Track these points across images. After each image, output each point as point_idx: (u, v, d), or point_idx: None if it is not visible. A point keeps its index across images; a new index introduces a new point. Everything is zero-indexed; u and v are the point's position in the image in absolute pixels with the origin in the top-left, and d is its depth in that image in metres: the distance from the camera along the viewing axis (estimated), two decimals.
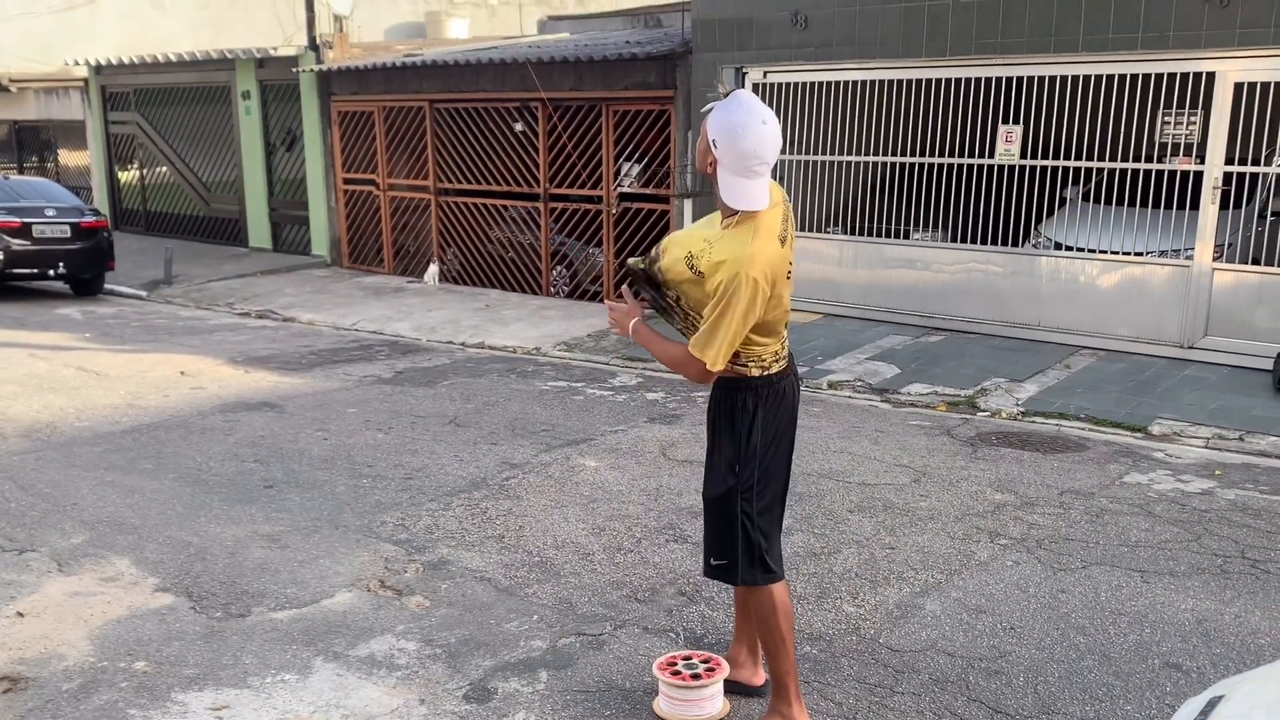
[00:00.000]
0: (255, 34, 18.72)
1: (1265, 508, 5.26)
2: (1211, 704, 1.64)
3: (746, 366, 3.13)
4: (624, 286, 3.34)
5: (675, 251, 3.15)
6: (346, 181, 14.26)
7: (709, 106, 3.01)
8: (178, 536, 4.92)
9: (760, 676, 3.54)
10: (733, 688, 3.50)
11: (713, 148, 2.96)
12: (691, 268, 3.05)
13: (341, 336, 10.22)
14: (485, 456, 6.14)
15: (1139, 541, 4.81)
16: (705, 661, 3.46)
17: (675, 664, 3.44)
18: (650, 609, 4.16)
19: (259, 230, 15.89)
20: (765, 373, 3.15)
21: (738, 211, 2.99)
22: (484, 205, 12.64)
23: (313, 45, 14.20)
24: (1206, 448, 6.36)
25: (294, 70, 14.18)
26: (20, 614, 4.13)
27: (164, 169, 17.55)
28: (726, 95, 2.97)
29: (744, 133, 2.89)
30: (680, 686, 3.35)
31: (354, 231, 14.46)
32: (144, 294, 12.83)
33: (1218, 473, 5.84)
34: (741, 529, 3.18)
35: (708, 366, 2.99)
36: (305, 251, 15.12)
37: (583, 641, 3.90)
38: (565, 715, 3.40)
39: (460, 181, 12.85)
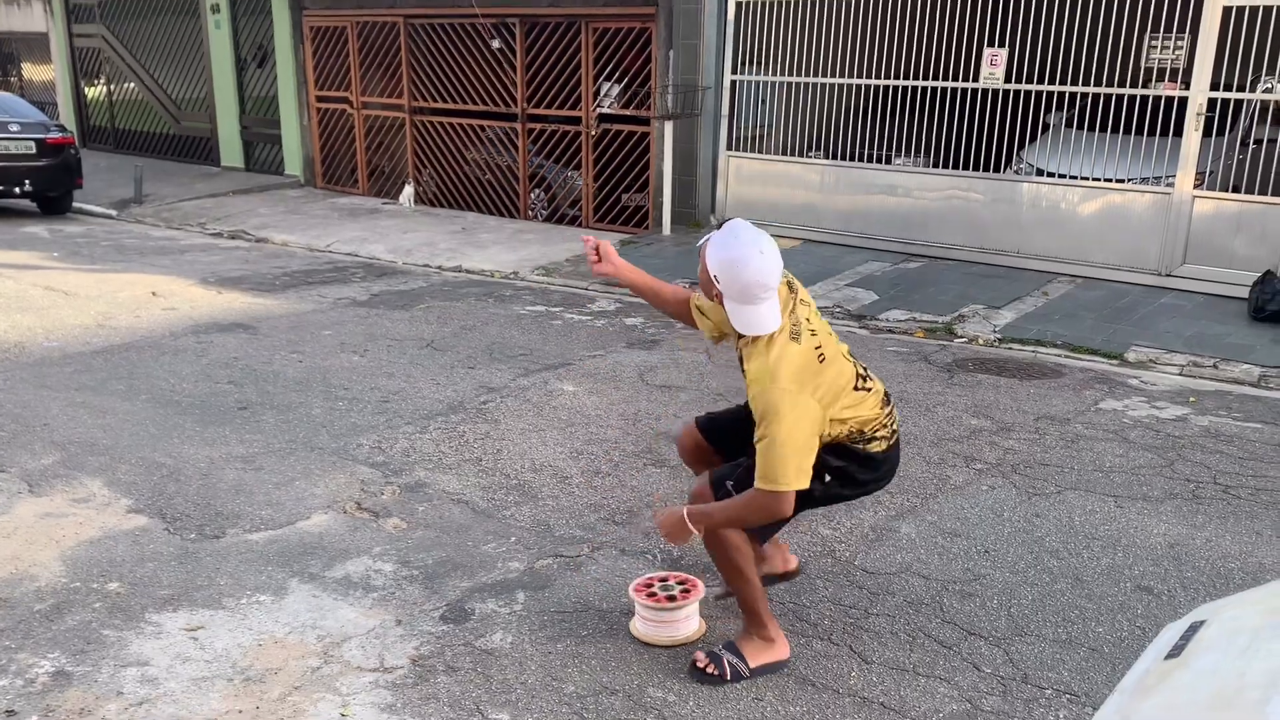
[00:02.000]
0: None
1: (1238, 434, 5.31)
2: (1193, 628, 1.65)
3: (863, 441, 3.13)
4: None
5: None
6: (320, 99, 13.95)
7: (705, 238, 3.03)
8: (150, 458, 4.87)
9: (792, 562, 3.62)
10: (770, 581, 3.52)
11: (715, 282, 2.98)
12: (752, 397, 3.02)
13: (316, 258, 10.07)
14: (462, 380, 6.10)
15: (1113, 467, 4.85)
16: (681, 583, 3.47)
17: (651, 586, 3.45)
18: (628, 531, 4.17)
19: (231, 149, 15.56)
20: (867, 447, 3.14)
21: (747, 338, 3.04)
22: (460, 125, 12.40)
23: None
24: (1181, 375, 6.40)
25: None
26: None
27: (132, 85, 17.10)
28: (720, 227, 2.99)
29: (744, 267, 2.91)
30: (656, 608, 3.36)
31: (328, 151, 14.18)
32: (113, 213, 12.58)
33: (1192, 400, 5.88)
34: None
35: (789, 487, 2.89)
36: (278, 171, 14.84)
37: (560, 563, 3.91)
38: (542, 635, 3.41)
39: (436, 101, 12.59)
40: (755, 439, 2.93)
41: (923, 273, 8.86)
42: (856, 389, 3.10)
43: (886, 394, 3.24)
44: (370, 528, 4.19)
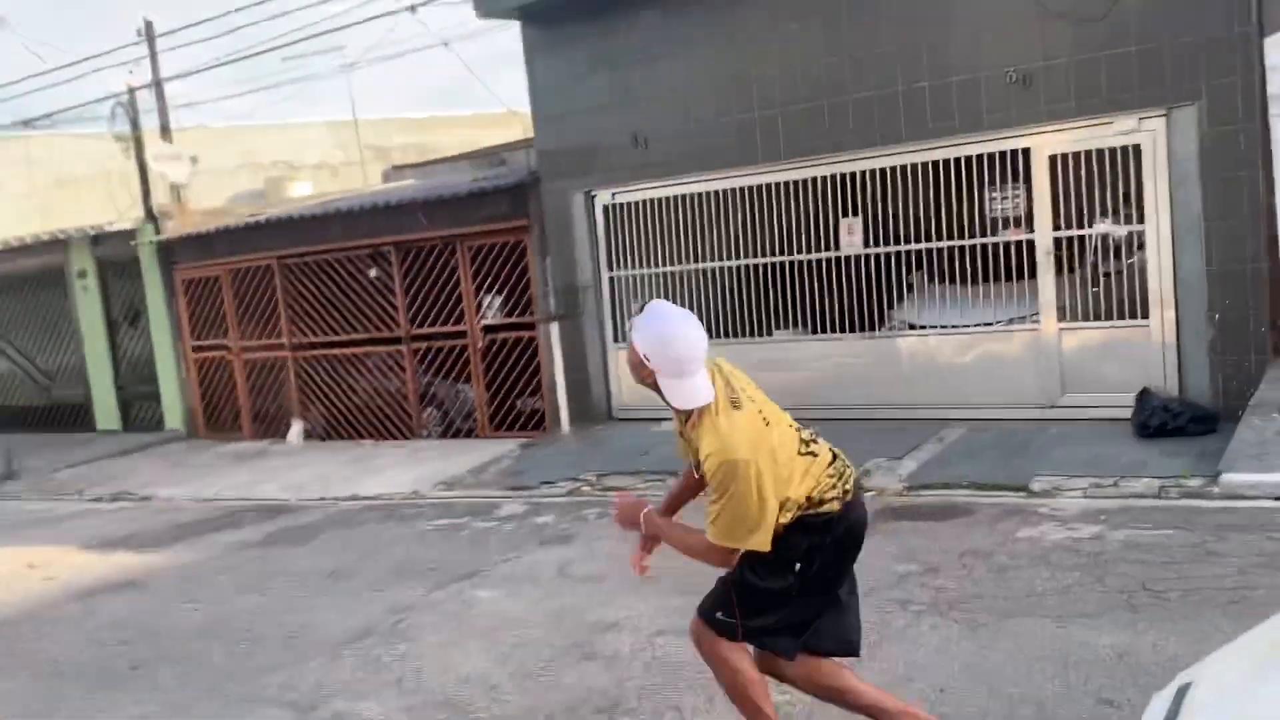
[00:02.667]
0: (87, 216, 18.13)
1: (1154, 543, 5.37)
2: (1181, 692, 1.57)
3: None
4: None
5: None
6: (197, 349, 13.76)
7: (631, 324, 3.17)
8: None
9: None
10: None
11: (646, 361, 3.07)
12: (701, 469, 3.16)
13: (205, 507, 9.65)
14: (371, 603, 5.79)
15: (1045, 590, 4.82)
16: None
17: None
18: None
19: (106, 412, 15.10)
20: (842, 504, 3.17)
21: (689, 411, 3.11)
22: (344, 356, 12.34)
23: (150, 216, 13.86)
24: (1085, 497, 6.51)
25: (132, 244, 13.77)
26: None
27: None
28: (643, 309, 3.12)
29: (672, 341, 3.03)
30: None
31: (209, 400, 13.88)
32: None
33: (1102, 518, 5.96)
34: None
35: (740, 547, 3.03)
36: (158, 427, 14.40)
37: None
38: None
39: (317, 334, 12.55)
40: (710, 501, 3.03)
41: (820, 435, 8.97)
42: (801, 454, 3.13)
43: (834, 453, 3.24)
44: None
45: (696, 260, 10.14)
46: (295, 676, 4.77)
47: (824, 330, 9.67)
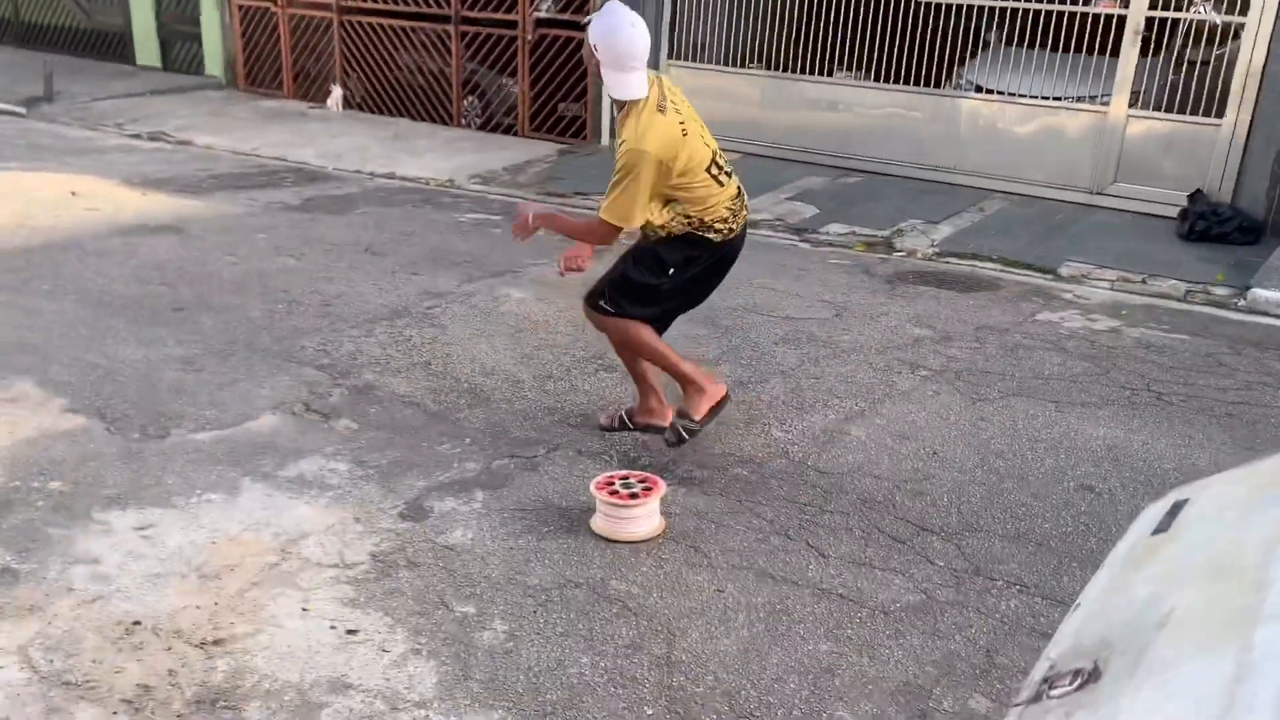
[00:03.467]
0: None
1: (1167, 345, 5.48)
2: (1177, 506, 1.69)
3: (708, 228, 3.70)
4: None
5: None
6: None
7: (589, 19, 3.57)
8: (84, 358, 4.70)
9: (669, 413, 4.00)
10: (651, 429, 4.03)
11: (595, 52, 3.50)
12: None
13: (242, 161, 9.72)
14: (405, 285, 5.98)
15: (1052, 374, 4.98)
16: (642, 481, 3.49)
17: (613, 483, 3.47)
18: (583, 433, 4.17)
19: (147, 47, 14.81)
20: (724, 238, 3.74)
21: (624, 104, 3.54)
22: (391, 26, 11.96)
23: None
24: (1112, 289, 6.56)
25: None
26: None
27: None
28: (601, 7, 3.54)
29: (618, 35, 3.46)
30: (617, 505, 3.38)
31: (251, 51, 13.59)
32: (23, 110, 11.94)
33: (1123, 313, 6.05)
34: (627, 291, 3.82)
35: (621, 224, 3.57)
36: (198, 71, 14.19)
37: (517, 463, 3.90)
38: (503, 532, 3.42)
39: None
40: (611, 181, 3.52)
41: (862, 187, 8.90)
42: (711, 173, 3.64)
43: (739, 189, 3.78)
44: (321, 429, 4.13)
45: None
46: (330, 343, 5.02)
47: (885, 79, 9.33)
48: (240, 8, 13.38)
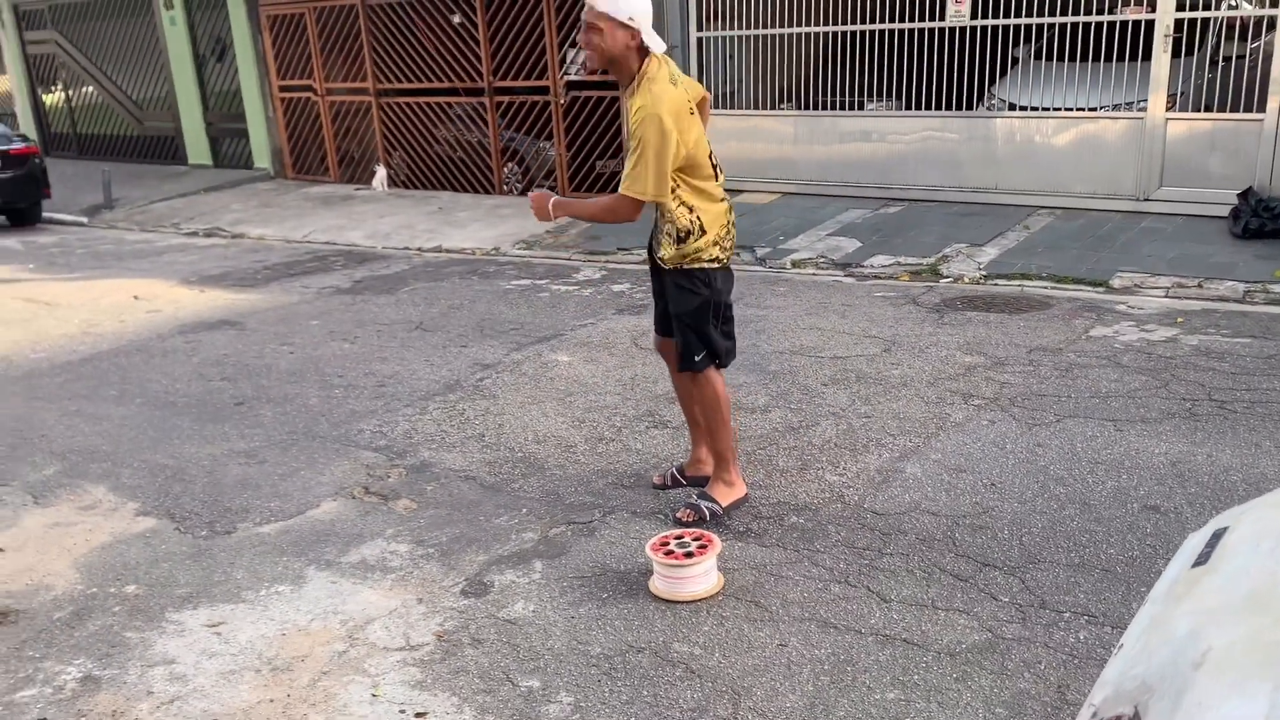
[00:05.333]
0: None
1: (1228, 350, 5.36)
2: (1217, 535, 1.67)
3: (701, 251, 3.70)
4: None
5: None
6: (283, 89, 13.79)
7: (588, 5, 3.51)
8: (152, 460, 4.86)
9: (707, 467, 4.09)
10: (700, 482, 4.09)
11: (630, 23, 3.47)
12: (638, 137, 3.52)
13: (294, 249, 10.01)
14: (456, 359, 6.09)
15: (1109, 392, 4.90)
16: (697, 539, 3.50)
17: (668, 544, 3.48)
18: (637, 494, 4.19)
19: (197, 146, 15.39)
20: (723, 261, 3.76)
21: (634, 76, 3.55)
22: (427, 104, 12.29)
23: None
24: (1167, 297, 6.45)
25: None
26: (1, 549, 4.08)
27: (90, 88, 16.86)
28: None
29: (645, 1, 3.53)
30: (674, 565, 3.39)
31: (295, 141, 14.04)
32: (85, 220, 12.45)
33: (1180, 320, 5.93)
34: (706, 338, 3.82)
35: (642, 197, 3.52)
36: (247, 165, 14.69)
37: (574, 530, 3.93)
38: (563, 601, 3.44)
39: (401, 81, 12.47)
40: (629, 157, 3.52)
41: (903, 216, 8.88)
42: (712, 163, 3.68)
43: (731, 209, 3.80)
44: (381, 511, 4.21)
45: (789, 24, 9.72)
46: (386, 424, 5.13)
47: (917, 106, 9.33)
48: (283, 100, 13.84)
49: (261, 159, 14.40)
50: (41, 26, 16.97)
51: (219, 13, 14.13)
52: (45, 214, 12.55)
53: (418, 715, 2.94)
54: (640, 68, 3.54)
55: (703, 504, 3.88)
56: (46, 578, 3.83)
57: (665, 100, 3.45)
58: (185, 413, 5.49)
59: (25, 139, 12.55)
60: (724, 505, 3.88)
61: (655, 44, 3.53)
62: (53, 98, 17.61)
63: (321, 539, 3.99)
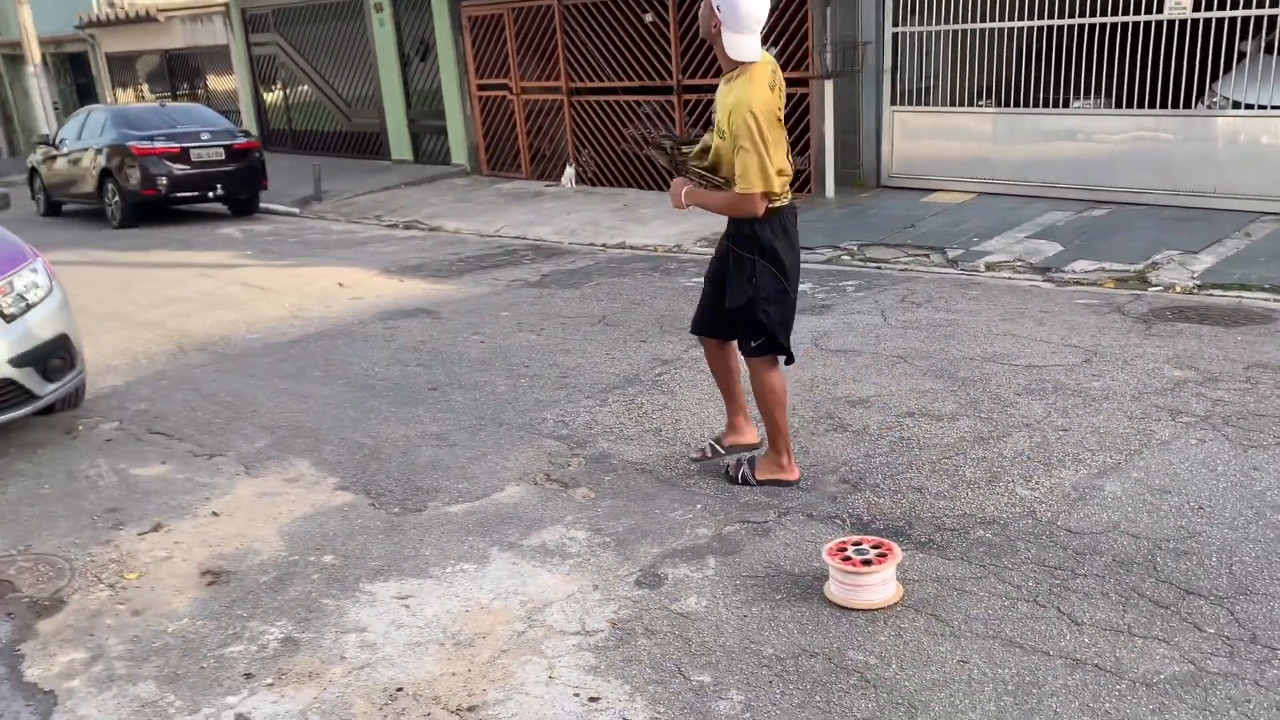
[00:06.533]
0: None
1: None
2: None
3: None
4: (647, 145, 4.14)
5: (708, 137, 3.88)
6: (480, 88, 14.31)
7: None
8: (351, 438, 5.13)
9: (755, 434, 4.36)
10: (740, 450, 4.33)
11: (717, 12, 3.62)
12: (722, 135, 3.73)
13: (486, 243, 10.37)
14: (636, 353, 6.17)
15: None
16: (876, 547, 3.42)
17: (845, 549, 3.41)
18: (814, 496, 4.13)
19: (399, 142, 16.17)
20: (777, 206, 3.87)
21: (735, 68, 3.71)
22: (617, 103, 12.49)
23: None
24: None
25: None
26: (215, 514, 4.40)
27: (305, 87, 17.98)
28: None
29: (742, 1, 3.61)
30: (851, 572, 3.32)
31: (490, 138, 14.54)
32: (296, 210, 13.28)
33: None
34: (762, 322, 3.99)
35: (758, 190, 3.70)
36: (445, 161, 15.33)
37: (748, 529, 3.91)
38: (736, 599, 3.43)
39: (592, 80, 12.72)
40: (734, 151, 3.68)
41: (1109, 220, 8.40)
42: (785, 164, 3.83)
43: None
44: (561, 497, 4.30)
45: (992, 19, 9.36)
46: (568, 414, 5.25)
47: (1129, 104, 8.81)
48: (480, 99, 14.36)
49: (459, 155, 15.00)
50: (266, 30, 18.21)
51: (424, 14, 14.79)
52: (262, 204, 13.46)
53: (591, 700, 2.99)
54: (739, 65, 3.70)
55: (743, 469, 4.21)
56: (255, 543, 4.10)
57: (756, 99, 3.64)
58: (383, 395, 5.77)
59: (248, 134, 13.50)
60: (759, 478, 4.19)
61: (735, 46, 3.64)
62: (272, 96, 18.87)
63: (505, 521, 4.12)
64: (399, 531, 4.11)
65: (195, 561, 3.98)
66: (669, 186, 4.19)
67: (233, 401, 5.83)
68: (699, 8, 3.73)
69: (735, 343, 4.20)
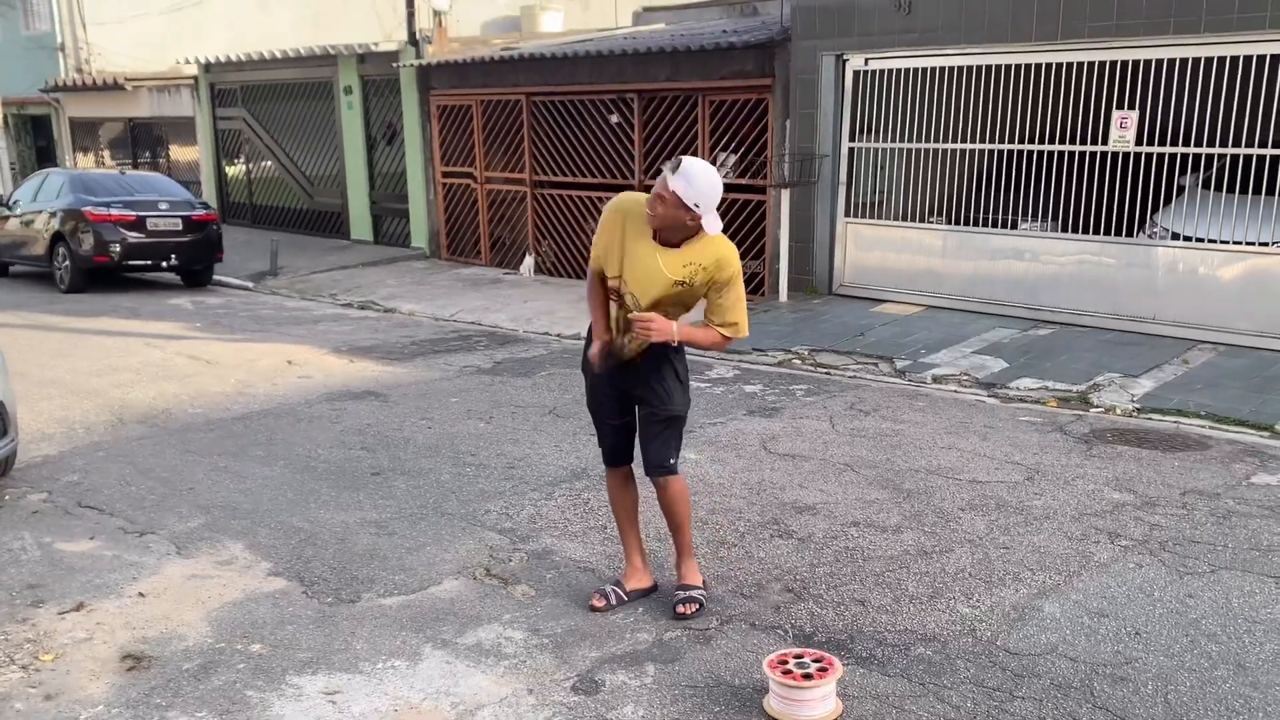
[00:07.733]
0: (356, 30, 19.08)
1: None
2: None
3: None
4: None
5: (656, 290, 3.85)
6: (445, 175, 14.45)
7: (664, 176, 3.68)
8: (289, 522, 5.02)
9: (651, 579, 4.22)
10: (638, 596, 4.13)
11: (694, 208, 3.69)
12: (688, 283, 3.83)
13: (441, 327, 10.35)
14: (585, 447, 6.14)
15: (1271, 545, 4.57)
16: (817, 661, 3.38)
17: (786, 662, 3.38)
18: (756, 605, 4.10)
19: (360, 223, 16.21)
20: None
21: (690, 237, 3.80)
22: (579, 198, 12.67)
23: (412, 40, 14.41)
24: None
25: (394, 65, 14.41)
26: (142, 594, 4.26)
27: (269, 163, 18.03)
28: (676, 168, 3.65)
29: (717, 189, 3.71)
30: (792, 685, 3.28)
31: (452, 224, 14.64)
32: (250, 285, 13.19)
33: None
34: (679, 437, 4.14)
35: (747, 333, 4.01)
36: (405, 244, 15.37)
37: (689, 635, 3.86)
38: (674, 710, 3.36)
39: (556, 174, 12.91)
40: (719, 298, 3.89)
41: (1053, 339, 8.61)
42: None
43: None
44: (500, 594, 4.22)
45: (944, 140, 9.69)
46: (513, 506, 5.18)
47: (1074, 229, 9.11)
48: (444, 185, 14.49)
49: (419, 238, 15.06)
50: (233, 104, 18.31)
51: (393, 99, 14.99)
52: (216, 277, 13.36)
53: None
54: (697, 231, 3.80)
55: (697, 593, 4.06)
56: (180, 627, 3.97)
57: (735, 254, 3.90)
58: (324, 478, 5.67)
59: (206, 206, 13.46)
60: (700, 583, 4.14)
61: (711, 226, 3.77)
62: (235, 169, 18.88)
63: (440, 617, 4.02)
64: (331, 622, 3.99)
65: (116, 644, 3.83)
66: None
67: (169, 477, 5.69)
68: (657, 206, 3.71)
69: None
